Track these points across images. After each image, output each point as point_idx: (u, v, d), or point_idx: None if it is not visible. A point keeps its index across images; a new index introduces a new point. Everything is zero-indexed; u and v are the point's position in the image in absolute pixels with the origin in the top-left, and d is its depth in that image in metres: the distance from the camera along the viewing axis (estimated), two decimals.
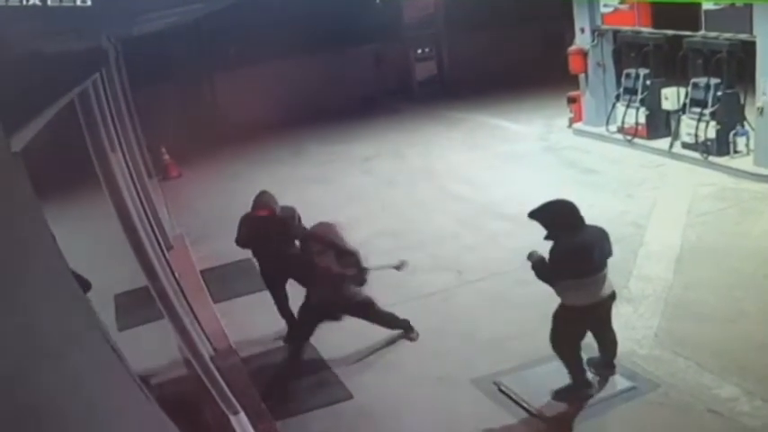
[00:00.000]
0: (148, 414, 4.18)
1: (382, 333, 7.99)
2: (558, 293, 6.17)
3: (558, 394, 6.42)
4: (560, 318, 6.23)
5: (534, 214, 6.18)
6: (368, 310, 7.42)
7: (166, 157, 15.95)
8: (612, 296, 6.31)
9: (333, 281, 7.12)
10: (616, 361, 6.68)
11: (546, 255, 6.16)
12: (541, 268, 6.16)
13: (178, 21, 13.44)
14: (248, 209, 8.00)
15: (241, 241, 8.05)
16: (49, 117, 3.99)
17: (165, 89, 18.05)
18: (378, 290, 8.68)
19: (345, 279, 7.18)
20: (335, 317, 7.28)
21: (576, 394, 6.39)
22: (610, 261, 8.63)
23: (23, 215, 3.14)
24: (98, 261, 9.78)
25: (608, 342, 6.55)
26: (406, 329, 7.70)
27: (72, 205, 13.16)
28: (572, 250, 6.04)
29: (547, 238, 6.12)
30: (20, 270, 2.79)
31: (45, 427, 2.46)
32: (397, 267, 7.87)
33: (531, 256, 6.25)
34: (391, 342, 7.67)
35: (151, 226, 8.70)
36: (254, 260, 8.35)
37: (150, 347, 7.24)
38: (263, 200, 7.90)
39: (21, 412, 2.29)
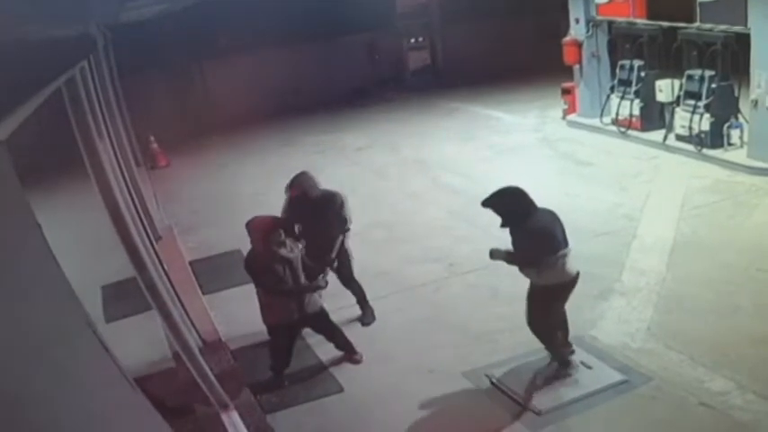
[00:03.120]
0: (136, 407, 4.12)
1: (374, 326, 7.96)
2: (537, 275, 6.26)
3: (541, 376, 6.55)
4: (540, 299, 6.34)
5: (488, 203, 6.26)
6: (324, 322, 7.25)
7: (155, 145, 15.86)
8: (577, 275, 6.38)
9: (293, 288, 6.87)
10: (608, 353, 6.74)
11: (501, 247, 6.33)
12: (519, 255, 6.25)
13: (168, 8, 13.30)
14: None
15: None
16: (36, 105, 3.91)
17: (154, 77, 17.94)
18: (367, 280, 8.66)
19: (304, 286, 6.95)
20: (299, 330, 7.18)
21: (558, 374, 6.52)
22: (603, 253, 8.66)
23: (9, 204, 3.06)
24: (85, 252, 9.71)
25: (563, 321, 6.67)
26: (350, 352, 7.37)
27: (59, 194, 13.05)
28: (541, 229, 6.17)
29: (503, 225, 6.22)
30: (5, 261, 2.72)
31: (33, 423, 2.39)
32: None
33: (493, 255, 6.35)
34: (339, 361, 7.41)
35: (139, 216, 8.61)
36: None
37: (138, 340, 7.14)
38: (296, 180, 7.80)
39: (8, 407, 2.22)
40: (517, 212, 6.19)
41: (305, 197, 7.68)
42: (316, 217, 7.68)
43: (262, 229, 6.74)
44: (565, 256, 6.23)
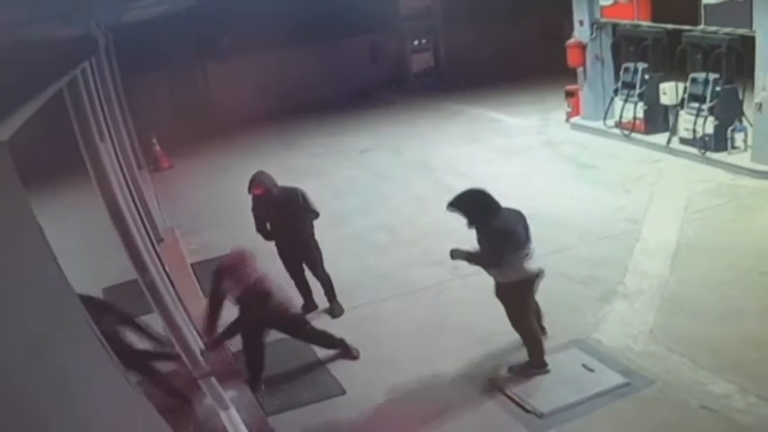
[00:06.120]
0: (137, 408, 4.11)
1: (377, 329, 7.94)
2: (500, 274, 6.55)
3: (513, 369, 6.78)
4: (511, 296, 6.60)
5: (454, 205, 6.54)
6: (299, 329, 7.32)
7: (157, 147, 15.83)
8: (540, 272, 6.60)
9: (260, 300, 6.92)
10: (611, 356, 6.76)
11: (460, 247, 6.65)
12: (483, 254, 6.50)
13: (170, 9, 13.29)
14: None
15: (262, 233, 8.24)
16: (38, 106, 3.90)
17: (157, 78, 17.94)
18: (369, 282, 8.64)
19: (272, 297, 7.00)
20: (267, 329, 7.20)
21: (531, 371, 6.71)
22: (606, 256, 8.64)
23: (10, 206, 3.05)
24: (87, 254, 9.69)
25: (535, 311, 6.93)
26: (344, 349, 7.45)
27: (60, 196, 13.04)
28: (504, 228, 6.39)
29: (470, 225, 6.47)
30: (5, 262, 2.71)
31: (34, 424, 2.38)
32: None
33: (454, 254, 6.64)
34: (334, 358, 7.46)
35: (141, 218, 8.57)
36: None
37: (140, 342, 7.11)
38: (256, 178, 7.99)
39: (9, 409, 2.21)
40: (481, 213, 6.45)
41: (268, 195, 7.92)
42: (281, 214, 8.02)
43: (225, 267, 6.91)
44: (525, 254, 6.44)
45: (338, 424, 6.55)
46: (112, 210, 5.81)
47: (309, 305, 8.41)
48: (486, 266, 6.62)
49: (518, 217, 6.56)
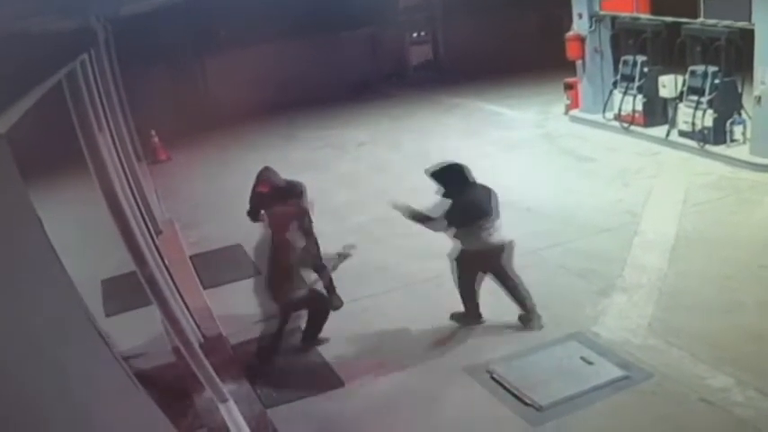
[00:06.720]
0: (138, 403, 4.11)
1: (376, 321, 7.94)
2: (463, 241, 7.17)
3: (453, 317, 7.55)
4: (460, 261, 7.28)
5: (434, 176, 7.19)
6: (317, 307, 7.44)
7: (156, 139, 15.79)
8: (503, 246, 7.19)
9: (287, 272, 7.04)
10: (610, 349, 6.74)
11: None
12: (438, 219, 7.09)
13: (168, 0, 13.23)
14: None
15: (251, 217, 8.26)
16: (36, 98, 3.90)
17: (155, 71, 17.86)
18: (368, 275, 8.63)
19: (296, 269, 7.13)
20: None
21: (466, 321, 7.49)
22: (604, 249, 8.63)
23: (9, 199, 3.05)
24: (86, 246, 9.68)
25: (512, 288, 7.34)
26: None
27: (59, 189, 13.02)
28: (470, 201, 7.06)
29: (444, 195, 7.09)
30: (6, 256, 2.71)
31: (35, 419, 2.38)
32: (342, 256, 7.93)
33: (397, 207, 7.34)
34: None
35: (140, 210, 8.58)
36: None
37: (138, 334, 7.13)
38: (263, 176, 8.00)
39: (9, 404, 2.21)
40: (456, 186, 7.10)
41: (273, 192, 7.91)
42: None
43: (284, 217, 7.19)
44: (486, 227, 7.06)
45: (337, 416, 6.53)
46: (111, 202, 5.80)
47: None
48: (432, 229, 7.25)
49: (487, 193, 7.20)
